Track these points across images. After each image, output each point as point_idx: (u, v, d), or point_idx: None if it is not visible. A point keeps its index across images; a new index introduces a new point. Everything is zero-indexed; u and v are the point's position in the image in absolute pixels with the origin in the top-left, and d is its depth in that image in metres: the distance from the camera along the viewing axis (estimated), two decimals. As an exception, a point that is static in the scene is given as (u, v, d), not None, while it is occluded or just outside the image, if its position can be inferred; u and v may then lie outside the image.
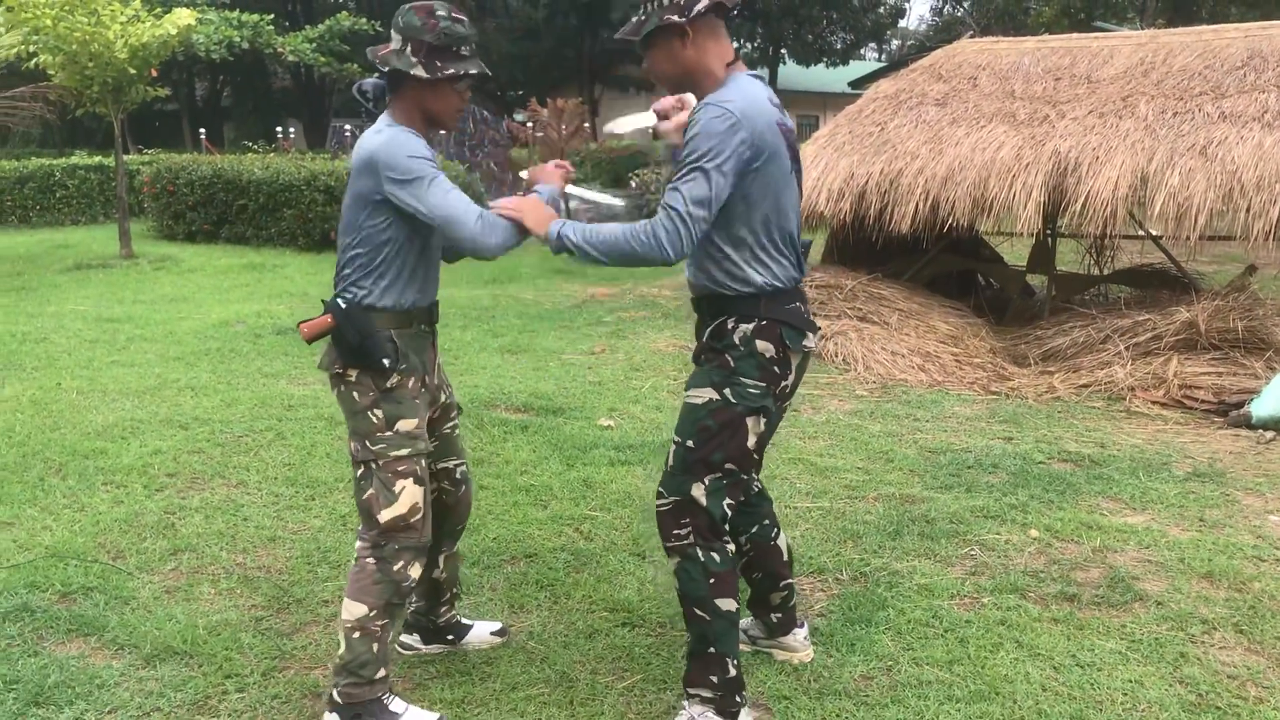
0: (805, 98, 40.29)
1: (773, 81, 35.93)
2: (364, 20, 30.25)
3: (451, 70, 2.86)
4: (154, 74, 13.16)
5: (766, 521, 3.26)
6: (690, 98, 3.05)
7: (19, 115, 12.93)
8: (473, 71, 2.89)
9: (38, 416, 6.00)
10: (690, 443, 2.84)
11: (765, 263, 2.82)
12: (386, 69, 2.90)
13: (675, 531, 2.86)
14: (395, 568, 2.94)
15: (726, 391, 2.81)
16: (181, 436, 5.65)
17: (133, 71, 12.31)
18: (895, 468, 5.23)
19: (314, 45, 28.94)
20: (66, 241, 15.42)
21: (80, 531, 4.35)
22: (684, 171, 2.68)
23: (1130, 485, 4.94)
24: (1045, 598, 3.76)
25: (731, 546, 2.94)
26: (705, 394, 2.84)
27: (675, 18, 2.76)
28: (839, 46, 36.76)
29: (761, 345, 2.81)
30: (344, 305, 2.90)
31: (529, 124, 14.35)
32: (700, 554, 2.83)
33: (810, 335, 2.93)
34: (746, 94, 2.75)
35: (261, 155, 16.21)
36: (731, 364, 2.82)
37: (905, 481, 5.02)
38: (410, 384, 2.99)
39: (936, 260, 8.68)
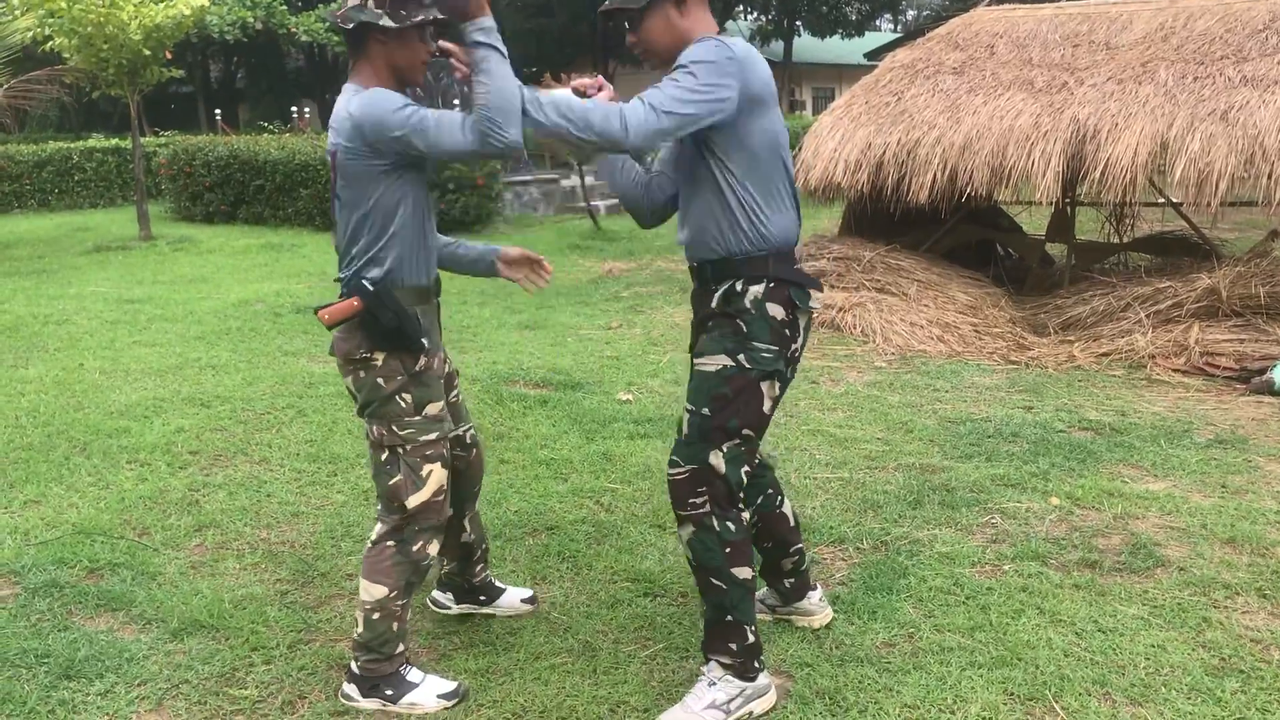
0: (821, 70, 40.06)
1: (787, 54, 35.73)
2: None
3: (420, 17, 2.76)
4: (169, 56, 13.17)
5: (770, 490, 3.26)
6: (606, 84, 2.98)
7: (36, 98, 12.93)
8: (438, 15, 2.80)
9: (61, 396, 6.05)
10: (706, 410, 2.82)
11: (775, 217, 2.81)
12: (350, 25, 2.79)
13: (691, 500, 2.84)
14: (415, 548, 2.95)
15: (741, 357, 2.80)
16: (204, 415, 5.69)
17: (147, 53, 12.33)
18: (915, 438, 5.22)
19: (326, 24, 28.90)
20: (86, 224, 15.51)
21: (106, 509, 4.39)
22: (669, 75, 2.67)
23: (1151, 452, 4.92)
24: (1067, 565, 3.75)
25: (746, 514, 2.94)
26: (719, 361, 2.83)
27: None
28: (854, 18, 36.45)
29: (772, 308, 2.80)
30: (372, 286, 2.83)
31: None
32: (716, 523, 2.82)
33: (817, 294, 2.93)
34: (743, 44, 2.75)
35: (277, 136, 16.23)
36: (744, 328, 2.80)
37: (925, 451, 5.02)
38: (435, 364, 2.99)
39: (955, 230, 8.64)
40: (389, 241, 2.85)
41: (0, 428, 5.48)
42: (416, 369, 2.90)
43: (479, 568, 3.45)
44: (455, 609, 3.49)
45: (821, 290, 3.00)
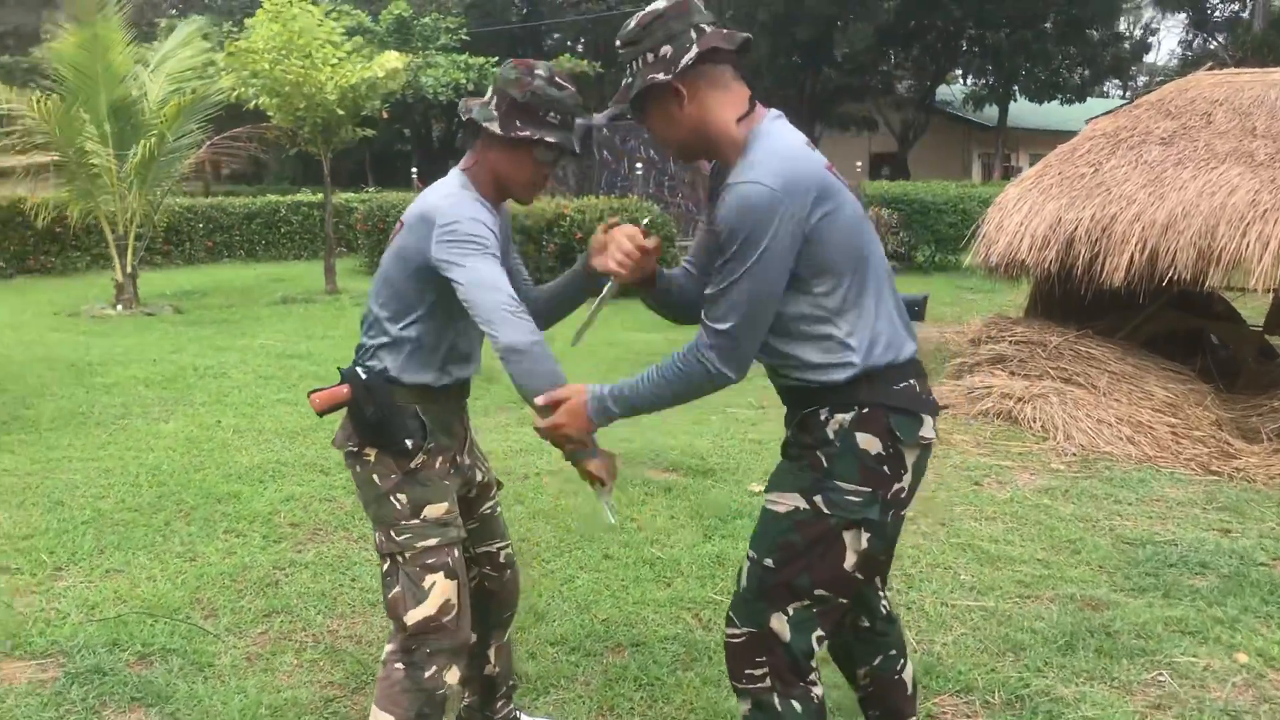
0: (1037, 136, 38.48)
1: (1002, 119, 34.49)
2: (585, 62, 30.85)
3: (527, 133, 2.48)
4: (385, 115, 13.54)
5: (893, 651, 2.68)
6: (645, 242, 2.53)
7: (237, 154, 13.50)
8: (551, 140, 2.50)
9: (187, 455, 5.99)
10: (769, 561, 2.31)
11: (863, 329, 2.28)
12: (465, 116, 2.56)
13: (748, 671, 2.33)
14: (427, 674, 2.54)
15: (818, 499, 2.27)
16: (320, 482, 5.50)
17: (341, 112, 12.68)
18: (1082, 561, 4.50)
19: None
20: (282, 276, 16.07)
21: (182, 584, 4.18)
22: (723, 273, 2.19)
23: (1377, 602, 4.06)
24: (1249, 751, 3.02)
25: (818, 690, 2.36)
26: (790, 500, 2.31)
27: (661, 76, 2.25)
28: (1075, 82, 34.91)
29: (864, 440, 2.27)
30: (364, 375, 2.55)
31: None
32: (777, 701, 2.30)
33: (929, 422, 2.36)
34: (776, 150, 2.20)
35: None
36: (824, 463, 2.28)
37: (1091, 580, 4.30)
38: (438, 464, 2.64)
39: (1156, 317, 7.74)
40: (402, 336, 2.57)
41: (118, 485, 5.42)
42: (411, 466, 2.58)
43: (500, 704, 3.02)
44: None
45: (937, 415, 2.42)
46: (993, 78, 34.57)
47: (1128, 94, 46.16)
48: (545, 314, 2.80)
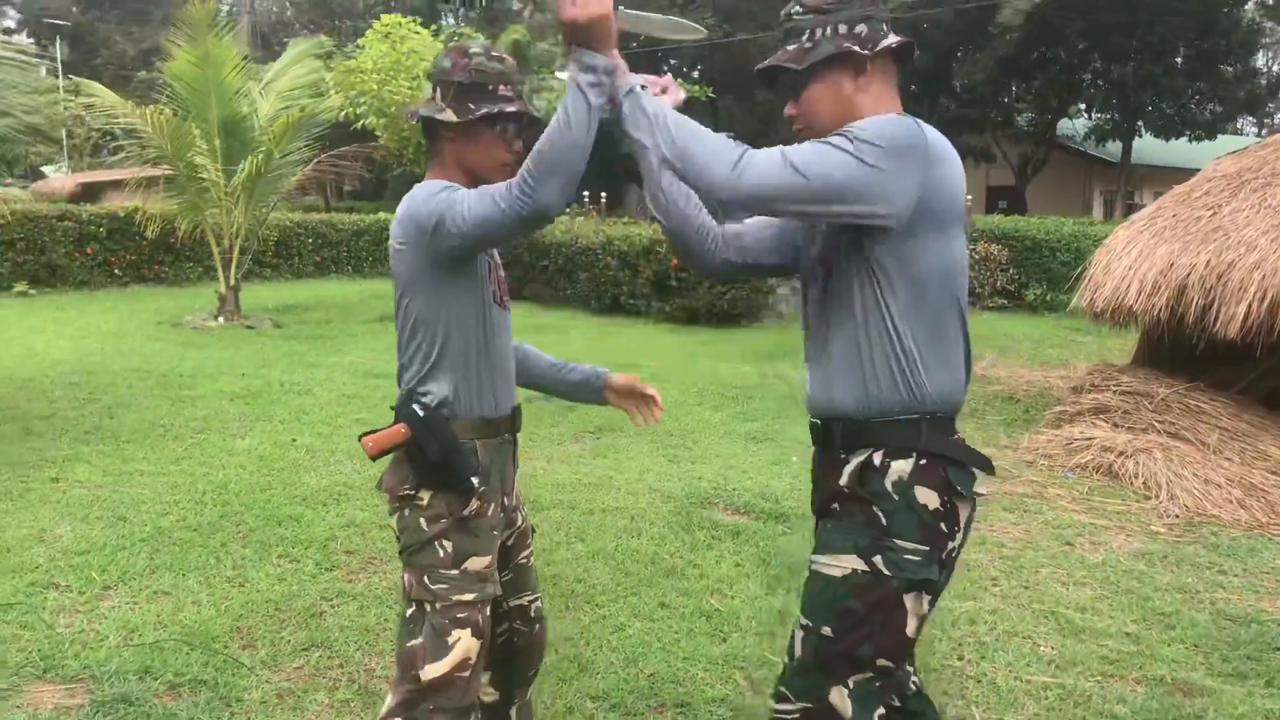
0: (1163, 174, 37.11)
1: (1126, 155, 33.38)
2: (697, 87, 30.76)
3: (485, 109, 2.34)
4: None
5: None
6: (673, 85, 2.35)
7: (344, 172, 13.71)
8: (511, 109, 2.36)
9: (257, 474, 5.96)
10: (827, 629, 2.11)
11: (938, 370, 2.10)
12: (414, 120, 2.44)
13: None
14: None
15: (877, 560, 2.07)
16: (383, 508, 5.36)
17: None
18: (1176, 638, 4.14)
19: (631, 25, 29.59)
20: (384, 293, 16.16)
21: (225, 612, 4.10)
22: (825, 139, 2.06)
23: None
24: None
25: None
26: (846, 562, 2.11)
27: (856, 48, 2.14)
28: (1205, 119, 33.59)
29: (923, 494, 2.08)
30: (422, 413, 2.41)
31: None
32: None
33: (980, 476, 2.16)
34: (937, 134, 2.09)
35: (570, 218, 16.49)
36: (882, 520, 2.08)
37: (1184, 660, 3.94)
38: (490, 510, 2.49)
39: (1275, 371, 7.25)
40: (439, 360, 2.42)
41: (183, 502, 5.41)
42: (465, 513, 2.42)
43: None
44: None
45: (991, 470, 2.20)
46: (1117, 112, 33.46)
47: (1263, 132, 44.38)
48: (531, 380, 2.77)
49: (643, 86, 2.16)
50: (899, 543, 2.07)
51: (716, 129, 2.15)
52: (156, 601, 4.19)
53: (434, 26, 13.96)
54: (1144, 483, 6.24)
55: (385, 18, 13.09)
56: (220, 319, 12.47)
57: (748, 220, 2.45)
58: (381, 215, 20.98)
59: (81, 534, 4.89)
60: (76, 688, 3.49)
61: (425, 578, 2.42)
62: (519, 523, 2.71)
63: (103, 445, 6.49)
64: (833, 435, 2.23)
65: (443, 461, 2.38)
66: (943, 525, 2.09)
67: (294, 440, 6.74)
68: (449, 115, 2.36)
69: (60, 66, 42.82)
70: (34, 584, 4.30)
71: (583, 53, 2.11)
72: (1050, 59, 32.89)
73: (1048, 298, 16.45)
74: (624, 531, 5.19)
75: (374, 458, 2.46)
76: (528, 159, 2.14)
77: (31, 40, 53.46)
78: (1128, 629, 4.23)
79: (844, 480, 2.16)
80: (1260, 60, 39.98)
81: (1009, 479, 6.38)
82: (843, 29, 2.16)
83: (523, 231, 2.24)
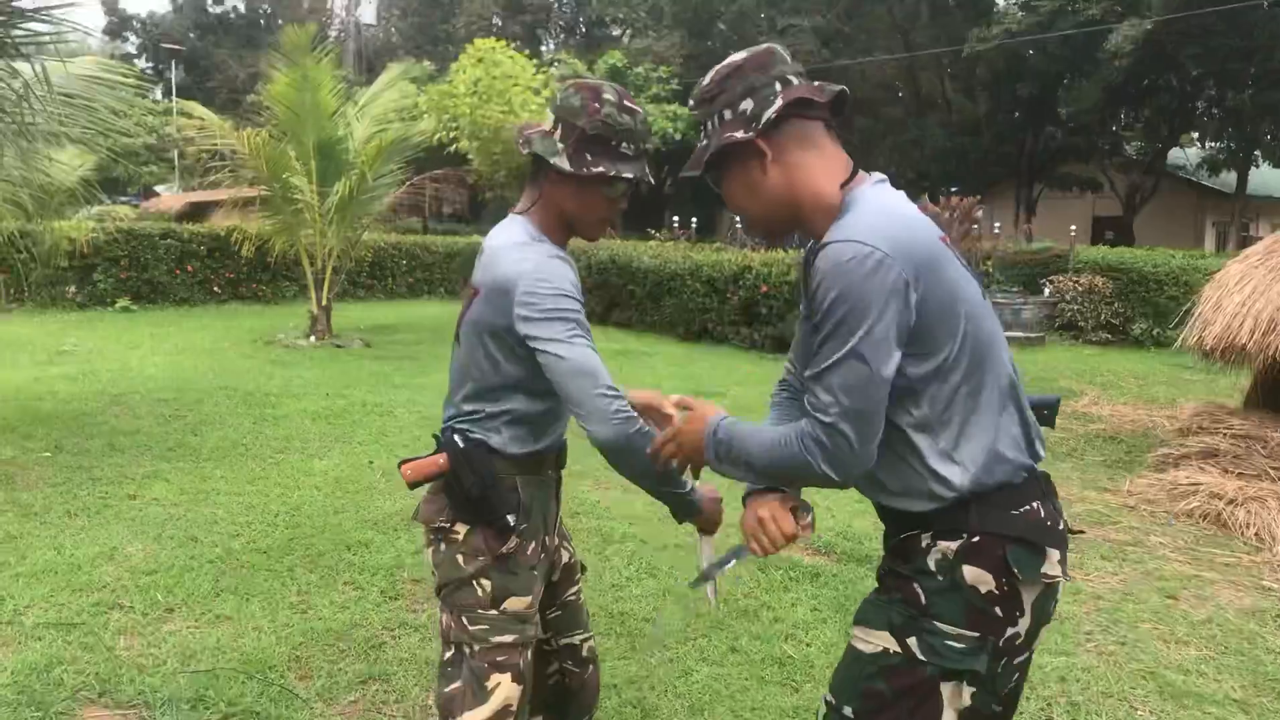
0: (1280, 205, 35.88)
1: (1241, 185, 32.20)
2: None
3: (601, 169, 2.20)
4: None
5: None
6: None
7: (439, 195, 13.81)
8: (628, 175, 2.22)
9: (331, 496, 5.92)
10: (849, 710, 1.91)
11: (975, 439, 1.86)
12: (526, 150, 2.29)
13: None
14: None
15: (911, 642, 1.87)
16: (453, 536, 5.30)
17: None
18: (1291, 708, 3.82)
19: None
20: (474, 314, 16.29)
21: (286, 639, 4.01)
22: (822, 353, 1.79)
23: None
24: None
25: None
26: (878, 640, 1.91)
27: (740, 134, 1.90)
28: (1332, 148, 32.26)
29: (972, 575, 1.85)
30: (463, 444, 2.31)
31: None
32: None
33: (1055, 555, 1.91)
34: (880, 207, 1.84)
35: (660, 243, 16.40)
36: (922, 599, 1.88)
37: (1300, 734, 3.63)
38: (530, 549, 2.36)
39: (1403, 416, 6.80)
40: (502, 414, 2.33)
41: (256, 523, 5.37)
42: (503, 550, 2.30)
43: None
44: None
45: (1066, 547, 1.95)
46: (1233, 141, 32.33)
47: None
48: None
49: None
50: (939, 625, 1.86)
51: None
52: (218, 626, 4.13)
53: (527, 52, 14.00)
54: (1256, 533, 5.86)
55: (479, 41, 13.17)
56: (311, 338, 12.61)
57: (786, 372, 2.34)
58: (475, 238, 21.17)
59: (151, 553, 4.88)
60: (130, 713, 3.43)
61: (463, 619, 2.31)
62: (565, 559, 2.59)
63: (183, 463, 6.52)
64: (880, 515, 2.05)
65: (480, 496, 2.27)
66: (998, 610, 1.85)
67: (371, 462, 6.70)
68: (563, 162, 2.22)
69: (175, 89, 44.38)
70: (99, 604, 4.27)
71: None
72: (1161, 86, 31.92)
73: (1154, 333, 15.85)
74: (697, 569, 4.99)
75: (411, 486, 2.37)
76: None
77: (150, 65, 55.57)
78: (1235, 695, 3.91)
79: (888, 556, 2.00)
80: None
81: (1107, 524, 6.04)
82: (727, 115, 1.93)
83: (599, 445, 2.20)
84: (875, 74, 37.87)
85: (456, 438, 2.32)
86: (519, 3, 45.27)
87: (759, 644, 4.18)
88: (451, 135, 13.10)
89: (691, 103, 2.03)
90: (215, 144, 11.96)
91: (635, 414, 2.15)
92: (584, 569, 2.71)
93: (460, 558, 2.31)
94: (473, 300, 2.30)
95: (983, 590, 1.85)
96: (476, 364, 2.30)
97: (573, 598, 2.60)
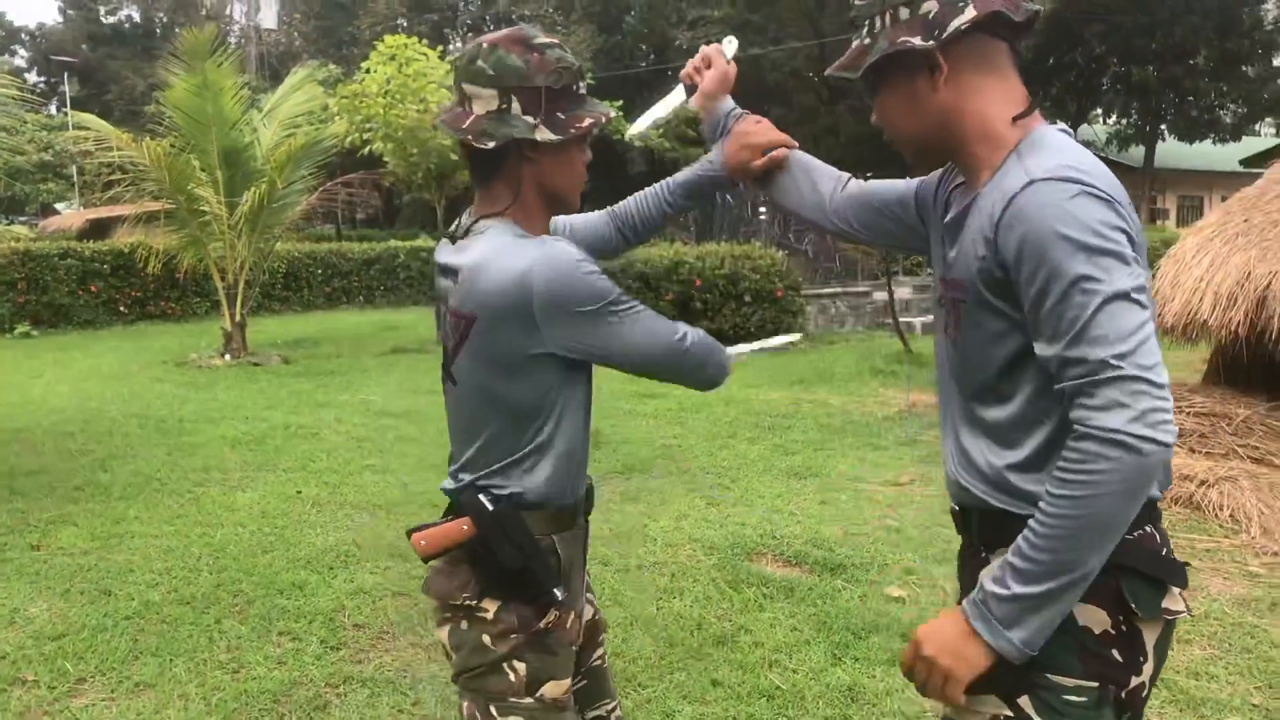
0: (1187, 176, 36.65)
1: (1149, 159, 32.83)
2: (710, 105, 30.41)
3: (587, 121, 1.84)
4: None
5: None
6: (720, 56, 2.07)
7: (353, 200, 13.26)
8: (605, 113, 1.87)
9: (258, 533, 5.44)
10: None
11: None
12: (490, 145, 1.83)
13: None
14: None
15: (1024, 702, 1.55)
16: (396, 571, 4.87)
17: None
18: (1313, 711, 3.57)
19: (661, 130, 29.37)
20: (396, 323, 15.77)
21: (216, 706, 3.56)
22: (1066, 302, 1.44)
23: None
24: None
25: None
26: (984, 707, 1.58)
27: (917, 41, 1.57)
28: (1229, 121, 33.02)
29: (1086, 613, 1.54)
30: (492, 505, 1.88)
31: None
32: None
33: (1176, 590, 1.59)
34: (1082, 151, 1.52)
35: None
36: None
37: (1332, 741, 3.37)
38: (569, 622, 1.97)
39: (1367, 386, 6.68)
40: (536, 451, 1.90)
41: (176, 570, 4.89)
42: (540, 626, 1.90)
43: None
44: None
45: (1185, 583, 1.62)
46: (1138, 116, 32.92)
47: (1280, 133, 43.89)
48: (630, 233, 2.31)
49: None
50: (1053, 679, 1.54)
51: None
52: (137, 697, 3.66)
53: (439, 49, 13.49)
54: (1231, 515, 5.67)
55: (389, 39, 12.63)
56: (226, 356, 12.00)
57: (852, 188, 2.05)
58: (393, 243, 20.57)
59: (59, 613, 4.37)
60: (34, 816, 2.96)
61: (492, 709, 1.90)
62: (590, 614, 2.17)
63: (92, 504, 5.98)
64: (972, 526, 1.70)
65: (522, 567, 1.87)
66: (1116, 654, 1.55)
67: (299, 492, 6.22)
68: (546, 134, 1.82)
69: (70, 103, 42.82)
70: (-3, 680, 3.78)
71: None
72: (1068, 64, 32.37)
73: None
74: (664, 592, 4.64)
75: (426, 559, 1.94)
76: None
77: (43, 79, 53.62)
78: (1254, 699, 3.66)
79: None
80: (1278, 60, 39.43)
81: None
82: (904, 14, 1.61)
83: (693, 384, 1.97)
84: (786, 62, 37.78)
85: (482, 497, 1.90)
86: (425, 2, 44.49)
87: (741, 674, 3.83)
88: (365, 137, 12.55)
89: None
90: (114, 157, 11.29)
91: (711, 340, 1.92)
92: (606, 627, 2.30)
93: (488, 638, 1.90)
94: (468, 330, 1.86)
95: (1097, 631, 1.54)
96: (491, 403, 1.88)
97: (598, 662, 2.20)
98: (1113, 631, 1.55)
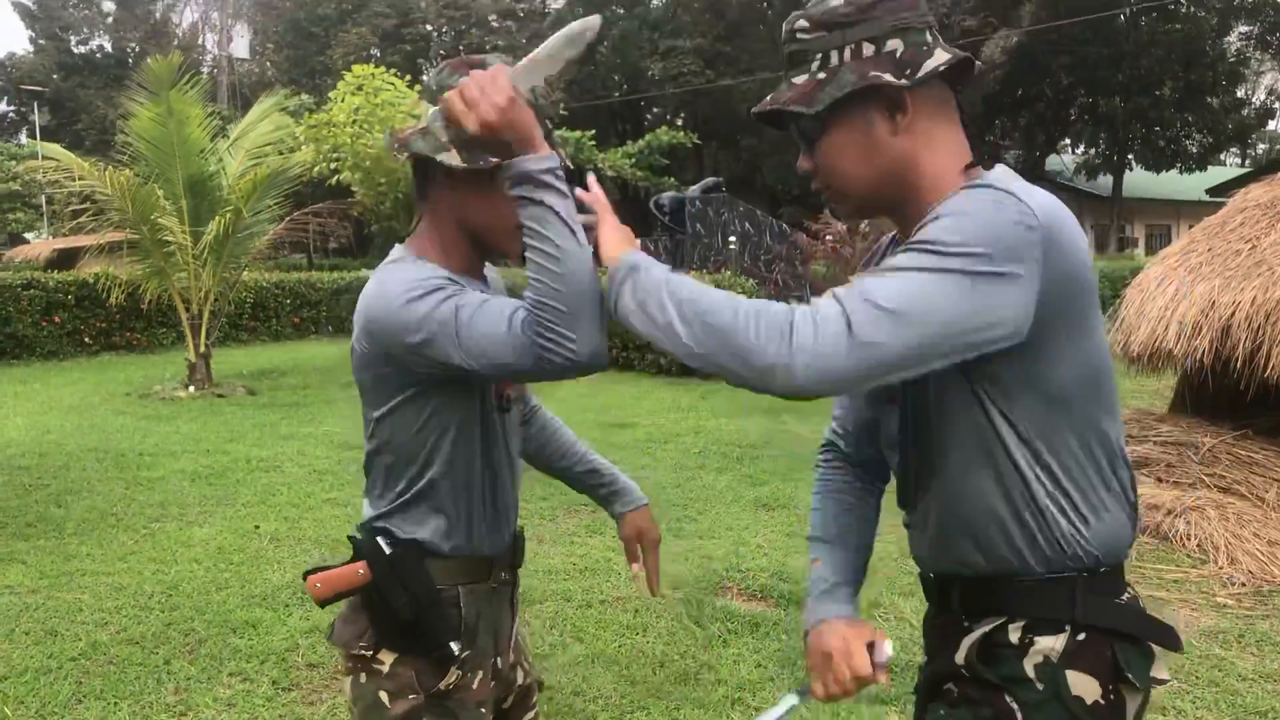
0: (1154, 206, 37.04)
1: (1116, 189, 33.20)
2: (683, 134, 30.56)
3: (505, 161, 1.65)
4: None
5: None
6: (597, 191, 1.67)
7: (322, 230, 13.16)
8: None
9: (213, 570, 5.32)
10: None
11: (1100, 509, 1.49)
12: (403, 155, 1.75)
13: None
14: None
15: None
16: (353, 606, 4.76)
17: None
18: (1282, 746, 3.52)
19: (633, 160, 29.44)
20: (365, 353, 15.64)
21: (160, 753, 3.45)
22: (897, 257, 1.38)
23: None
24: None
25: None
26: None
27: (889, 76, 1.47)
28: (1194, 151, 33.48)
29: (1077, 682, 1.47)
30: (388, 550, 1.77)
31: (827, 237, 13.17)
32: None
33: (1159, 657, 1.54)
34: (1037, 191, 1.43)
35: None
36: (1019, 716, 1.47)
37: (1301, 778, 3.32)
38: (476, 682, 1.83)
39: (1336, 415, 6.69)
40: (424, 490, 1.77)
41: (126, 609, 4.76)
42: (440, 686, 1.77)
43: None
44: None
45: (1179, 647, 1.57)
46: (1106, 146, 33.32)
47: (1246, 163, 44.50)
48: (543, 458, 2.20)
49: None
50: None
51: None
52: (78, 744, 3.54)
53: (406, 78, 13.45)
54: (1198, 545, 5.63)
55: (357, 68, 12.59)
56: (190, 388, 11.83)
57: None
58: (364, 272, 20.45)
59: (2, 655, 4.24)
60: None
61: None
62: (520, 679, 2.02)
63: (43, 541, 5.84)
64: (950, 596, 1.62)
65: (415, 619, 1.75)
66: None
67: (257, 527, 6.10)
68: (452, 158, 1.70)
69: (39, 132, 42.55)
70: (-66, 726, 3.65)
71: (521, 162, 1.52)
72: (1036, 95, 32.74)
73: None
74: (627, 628, 4.55)
75: (322, 603, 1.82)
76: (533, 299, 1.52)
77: (13, 108, 53.28)
78: (1224, 734, 3.60)
79: (962, 656, 1.55)
80: (1244, 91, 40.07)
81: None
82: (868, 50, 1.49)
83: (546, 378, 1.62)
84: (759, 93, 38.02)
85: (381, 539, 1.79)
86: (398, 33, 44.53)
87: (704, 713, 3.75)
88: (333, 166, 12.48)
89: (803, 22, 1.53)
90: (78, 186, 11.15)
91: (542, 304, 1.53)
92: (542, 686, 2.16)
93: (384, 695, 1.78)
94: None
95: (1088, 701, 1.46)
96: (378, 435, 1.79)
97: None
98: (1102, 701, 1.48)
